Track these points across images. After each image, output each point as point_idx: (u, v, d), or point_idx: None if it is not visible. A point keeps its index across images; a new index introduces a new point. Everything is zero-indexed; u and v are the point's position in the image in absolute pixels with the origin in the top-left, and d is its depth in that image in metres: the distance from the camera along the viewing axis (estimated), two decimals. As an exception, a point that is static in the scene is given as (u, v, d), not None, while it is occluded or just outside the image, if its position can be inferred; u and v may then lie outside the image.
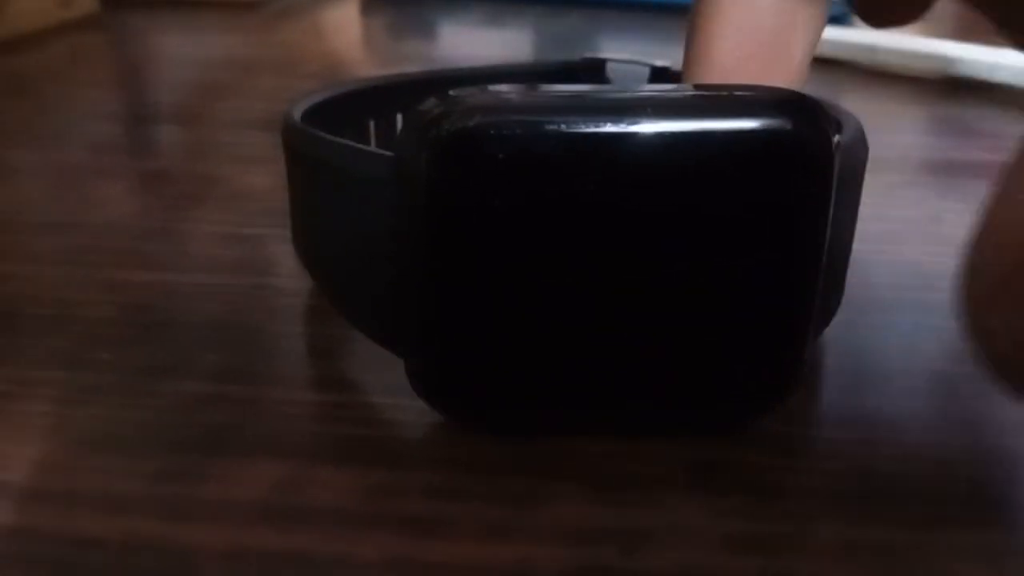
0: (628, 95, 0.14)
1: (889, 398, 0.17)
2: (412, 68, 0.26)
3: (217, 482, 0.15)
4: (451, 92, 0.14)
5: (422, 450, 0.16)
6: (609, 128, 0.13)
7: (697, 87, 0.14)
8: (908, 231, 0.24)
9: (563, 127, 0.13)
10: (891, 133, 0.34)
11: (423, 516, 0.14)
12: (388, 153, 0.14)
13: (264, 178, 0.28)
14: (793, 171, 0.14)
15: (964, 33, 0.46)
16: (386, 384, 0.17)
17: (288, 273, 0.22)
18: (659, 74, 0.26)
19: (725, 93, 0.14)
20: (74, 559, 0.13)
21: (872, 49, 0.43)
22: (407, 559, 0.13)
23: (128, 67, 0.44)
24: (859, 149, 0.16)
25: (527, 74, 0.27)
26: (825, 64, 0.44)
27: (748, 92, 0.14)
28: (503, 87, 0.14)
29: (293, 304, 0.20)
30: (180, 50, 0.46)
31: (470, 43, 0.50)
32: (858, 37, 0.44)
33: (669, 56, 0.26)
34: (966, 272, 0.11)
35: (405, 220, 0.14)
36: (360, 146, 0.16)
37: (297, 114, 0.19)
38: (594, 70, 0.27)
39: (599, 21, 0.52)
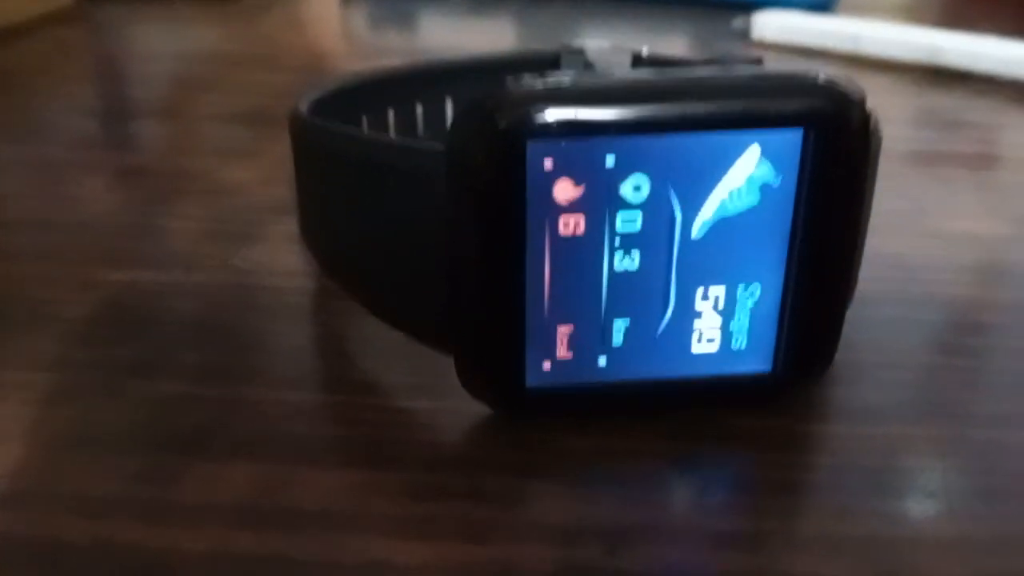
0: (686, 79, 0.14)
1: (875, 391, 0.17)
2: (394, 61, 0.26)
3: (197, 483, 0.14)
4: (508, 81, 0.14)
5: (404, 450, 0.15)
6: (668, 113, 0.14)
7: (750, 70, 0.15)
8: (892, 223, 0.24)
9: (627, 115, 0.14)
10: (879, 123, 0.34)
11: (406, 516, 0.14)
12: (438, 147, 0.14)
13: (245, 172, 0.27)
14: (847, 147, 0.14)
15: (948, 21, 0.46)
16: (367, 384, 0.17)
17: (269, 270, 0.21)
18: (640, 61, 0.26)
19: (780, 73, 0.14)
20: (51, 562, 0.13)
21: (855, 38, 0.43)
22: (390, 560, 0.13)
23: (107, 61, 0.43)
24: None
25: (511, 64, 0.27)
26: (808, 54, 0.44)
27: (796, 73, 0.14)
28: (559, 76, 0.14)
29: (274, 302, 0.20)
30: (159, 44, 0.46)
31: (452, 34, 0.49)
32: (841, 26, 0.44)
33: (648, 42, 0.26)
34: None
35: (462, 212, 0.14)
36: (408, 141, 0.16)
37: (307, 112, 0.19)
38: (576, 58, 0.26)
39: (579, 10, 0.52)
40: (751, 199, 0.14)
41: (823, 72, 0.14)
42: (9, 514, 0.14)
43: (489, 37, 0.48)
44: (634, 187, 0.14)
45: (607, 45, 0.27)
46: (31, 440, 0.15)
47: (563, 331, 0.15)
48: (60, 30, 0.46)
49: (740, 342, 0.15)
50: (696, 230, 0.15)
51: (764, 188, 0.14)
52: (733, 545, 0.13)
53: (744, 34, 0.46)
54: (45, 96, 0.36)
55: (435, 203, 0.14)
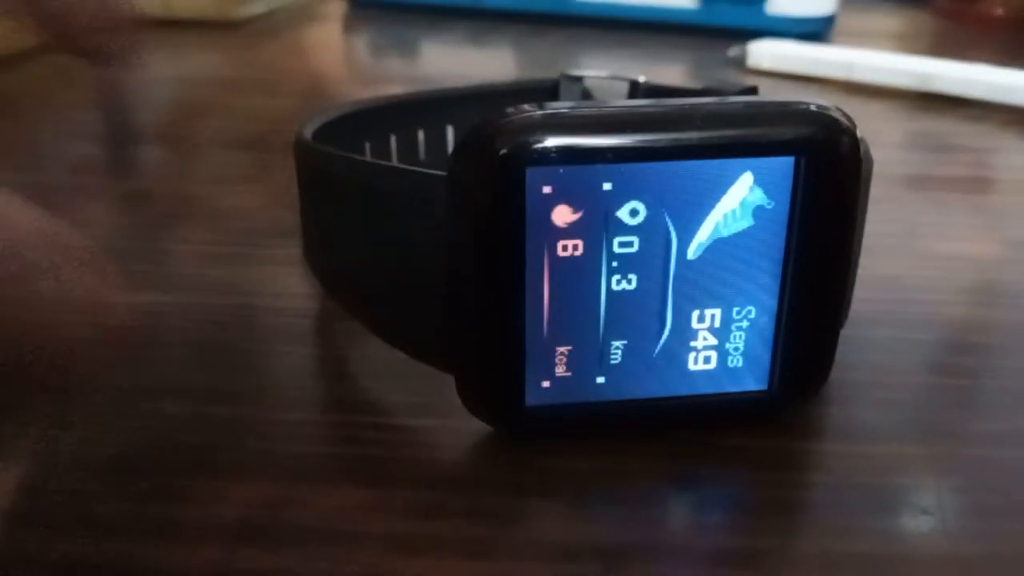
0: (680, 108, 0.14)
1: (871, 410, 0.17)
2: (395, 87, 0.26)
3: (201, 503, 0.15)
4: (508, 109, 0.14)
5: (406, 469, 0.16)
6: (664, 142, 0.14)
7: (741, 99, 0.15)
8: (885, 245, 0.24)
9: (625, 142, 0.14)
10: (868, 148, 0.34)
11: (406, 534, 0.14)
12: (440, 173, 0.15)
13: (247, 197, 0.28)
14: (838, 172, 0.15)
15: (939, 49, 0.46)
16: (369, 403, 0.18)
17: (272, 292, 0.22)
18: (637, 89, 0.26)
19: (772, 102, 0.15)
20: (56, 582, 0.13)
21: (849, 66, 0.43)
22: (391, 577, 0.13)
23: (109, 86, 0.44)
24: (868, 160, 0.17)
25: (511, 92, 0.27)
26: (803, 81, 0.44)
27: (788, 102, 0.15)
28: (558, 104, 0.14)
29: (277, 324, 0.20)
30: (161, 69, 0.46)
31: (452, 62, 0.50)
32: (835, 55, 0.44)
33: (646, 71, 0.27)
34: None
35: (463, 235, 0.14)
36: (410, 166, 0.16)
37: (311, 137, 0.19)
38: (575, 87, 0.27)
39: (579, 39, 0.53)
40: (745, 221, 0.15)
41: (814, 101, 0.15)
42: (17, 534, 0.14)
43: (489, 65, 0.49)
44: (631, 211, 0.14)
45: (605, 74, 0.27)
46: (37, 460, 0.16)
47: (562, 351, 0.15)
48: (63, 56, 0.47)
49: (736, 361, 0.16)
50: (692, 251, 0.15)
51: (757, 210, 0.15)
52: (731, 563, 0.14)
53: (740, 62, 0.46)
54: (49, 121, 0.36)
55: (436, 226, 0.15)
